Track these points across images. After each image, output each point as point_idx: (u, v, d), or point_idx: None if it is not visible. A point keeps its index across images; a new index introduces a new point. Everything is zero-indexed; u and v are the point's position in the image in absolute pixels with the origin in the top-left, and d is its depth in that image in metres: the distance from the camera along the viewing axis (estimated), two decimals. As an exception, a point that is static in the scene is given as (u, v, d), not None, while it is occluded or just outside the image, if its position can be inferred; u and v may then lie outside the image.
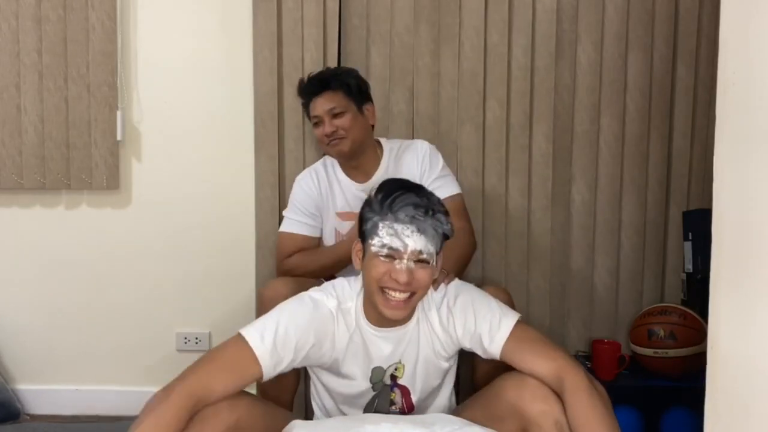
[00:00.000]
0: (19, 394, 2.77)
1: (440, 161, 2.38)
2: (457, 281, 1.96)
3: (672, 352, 2.44)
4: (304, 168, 2.65)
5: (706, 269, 1.54)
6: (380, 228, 1.73)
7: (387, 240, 1.71)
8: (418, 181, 2.21)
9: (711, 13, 2.64)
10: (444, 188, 2.30)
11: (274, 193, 2.66)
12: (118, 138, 2.69)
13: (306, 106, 2.38)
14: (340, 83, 2.31)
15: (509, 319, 1.84)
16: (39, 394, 2.78)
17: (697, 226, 2.63)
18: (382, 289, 1.75)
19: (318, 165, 2.46)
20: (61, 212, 2.77)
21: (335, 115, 2.29)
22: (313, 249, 2.39)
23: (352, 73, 2.37)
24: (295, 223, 2.40)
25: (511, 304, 2.06)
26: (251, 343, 1.72)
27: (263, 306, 2.08)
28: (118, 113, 2.68)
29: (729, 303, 1.39)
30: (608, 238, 2.73)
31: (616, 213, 2.73)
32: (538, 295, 2.72)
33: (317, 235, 2.42)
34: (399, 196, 1.74)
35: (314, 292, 1.86)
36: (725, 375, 1.40)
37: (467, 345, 1.87)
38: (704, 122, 2.70)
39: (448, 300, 1.87)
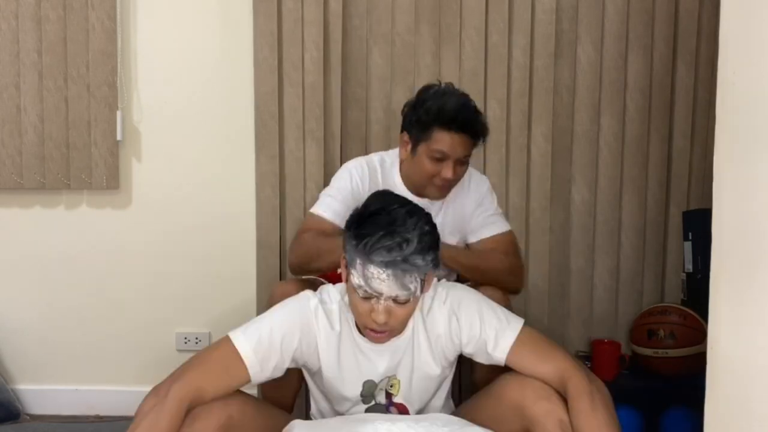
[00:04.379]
0: (19, 394, 2.76)
1: (495, 200, 2.30)
2: (454, 284, 1.93)
3: (672, 352, 2.45)
4: (304, 168, 2.66)
5: (706, 269, 1.54)
6: (357, 264, 1.66)
7: (363, 282, 1.66)
8: (469, 217, 2.21)
9: (711, 13, 2.64)
10: (496, 225, 2.24)
11: (275, 193, 2.66)
12: (118, 138, 2.68)
13: (426, 129, 2.09)
14: (482, 135, 2.14)
15: (514, 325, 1.81)
16: (39, 394, 2.78)
17: (697, 226, 2.63)
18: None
19: (375, 161, 2.27)
20: (61, 212, 2.76)
21: (461, 163, 2.12)
22: (335, 238, 2.04)
23: (486, 123, 2.18)
24: (328, 208, 2.18)
25: (507, 304, 2.05)
26: (237, 346, 1.73)
27: (272, 306, 2.07)
28: (118, 113, 2.68)
29: (729, 303, 1.39)
30: (608, 238, 2.73)
31: (616, 213, 2.73)
32: (537, 296, 2.72)
33: None
34: (375, 238, 1.64)
35: (303, 293, 1.86)
36: (725, 375, 1.40)
37: (469, 351, 1.84)
38: (704, 122, 2.70)
39: (452, 304, 1.83)
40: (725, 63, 1.40)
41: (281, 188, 2.67)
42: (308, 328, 1.79)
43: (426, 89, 2.17)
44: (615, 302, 2.75)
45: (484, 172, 2.66)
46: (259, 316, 1.84)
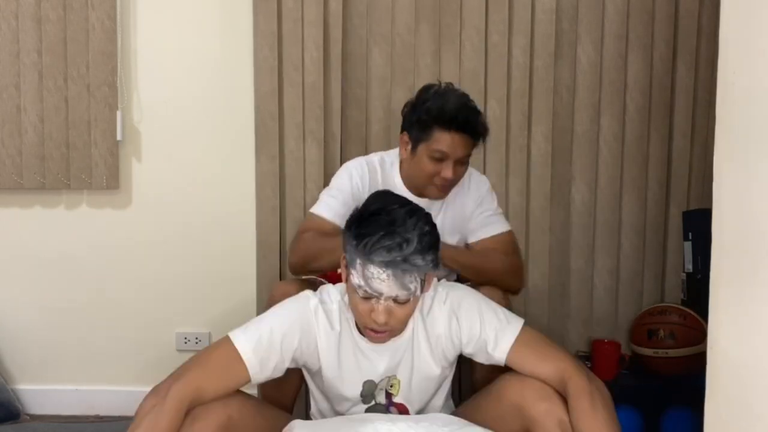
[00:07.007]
0: (19, 394, 2.76)
1: (495, 200, 2.31)
2: (454, 284, 1.94)
3: (672, 352, 2.45)
4: (304, 168, 2.66)
5: (706, 269, 1.54)
6: (357, 264, 1.66)
7: (363, 282, 1.66)
8: (469, 217, 2.21)
9: (711, 13, 2.64)
10: (496, 225, 2.24)
11: (275, 193, 2.66)
12: (118, 138, 2.68)
13: (426, 129, 2.10)
14: (482, 134, 2.14)
15: (514, 325, 1.82)
16: (39, 394, 2.78)
17: (697, 226, 2.63)
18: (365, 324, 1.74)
19: (375, 161, 2.28)
20: (61, 212, 2.76)
21: (461, 163, 2.13)
22: (335, 238, 2.00)
23: (486, 123, 2.18)
24: (328, 208, 2.19)
25: (507, 304, 2.05)
26: (237, 346, 1.73)
27: (272, 306, 2.07)
28: (118, 113, 2.68)
29: (729, 303, 1.39)
30: (608, 238, 2.73)
31: (616, 213, 2.73)
32: (537, 296, 2.72)
33: None
34: (375, 238, 1.64)
35: (303, 293, 1.86)
36: (725, 375, 1.40)
37: (469, 351, 1.84)
38: (704, 122, 2.70)
39: (452, 304, 1.83)
40: (725, 63, 1.40)
41: (281, 188, 2.67)
42: (308, 328, 1.79)
43: (426, 89, 2.18)
44: (615, 302, 2.75)
45: (484, 172, 2.66)
46: (259, 316, 1.84)
